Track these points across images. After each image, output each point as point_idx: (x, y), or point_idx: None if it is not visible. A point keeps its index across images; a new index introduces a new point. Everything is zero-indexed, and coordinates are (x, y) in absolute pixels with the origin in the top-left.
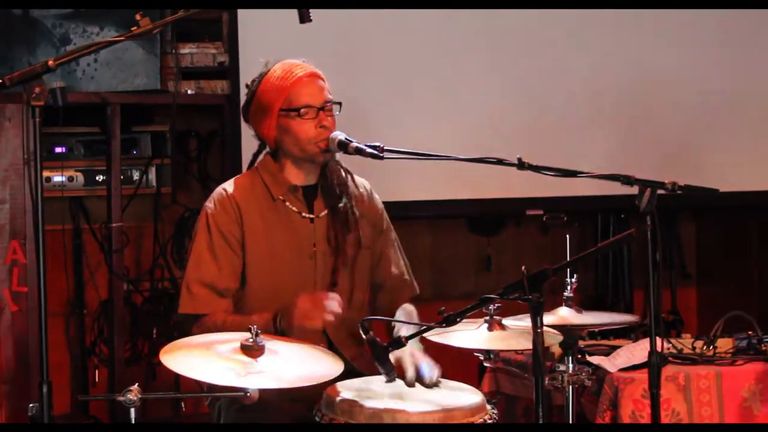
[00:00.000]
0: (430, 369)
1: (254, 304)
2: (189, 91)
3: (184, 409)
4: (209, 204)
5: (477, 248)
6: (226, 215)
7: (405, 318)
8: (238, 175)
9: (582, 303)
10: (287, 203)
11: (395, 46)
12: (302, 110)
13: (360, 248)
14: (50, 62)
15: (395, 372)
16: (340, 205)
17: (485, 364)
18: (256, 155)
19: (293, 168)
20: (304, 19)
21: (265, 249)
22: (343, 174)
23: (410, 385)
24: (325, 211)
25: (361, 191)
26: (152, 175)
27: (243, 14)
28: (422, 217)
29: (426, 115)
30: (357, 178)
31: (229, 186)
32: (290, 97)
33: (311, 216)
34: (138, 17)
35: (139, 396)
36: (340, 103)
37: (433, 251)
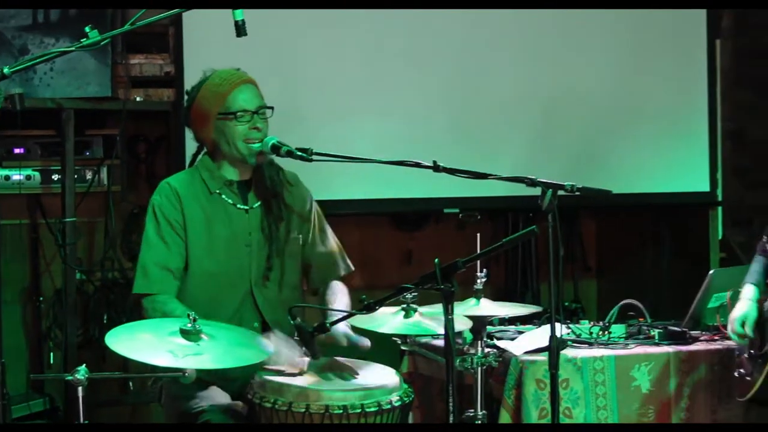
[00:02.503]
0: (359, 337)
1: (195, 287)
2: (138, 99)
3: (132, 388)
4: (155, 196)
5: (400, 243)
6: (170, 204)
7: (334, 298)
8: (179, 172)
9: (494, 294)
10: (223, 196)
11: (326, 55)
12: (238, 113)
13: (290, 235)
14: (5, 70)
15: (320, 353)
16: (272, 197)
17: (402, 348)
18: (195, 156)
19: (229, 166)
20: (240, 33)
21: (204, 238)
22: (274, 168)
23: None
24: (259, 203)
25: (290, 183)
26: (104, 175)
27: (187, 28)
28: (350, 215)
29: (355, 120)
30: (286, 171)
31: (171, 180)
32: (227, 102)
33: (246, 207)
34: (87, 30)
35: (86, 376)
36: (272, 108)
37: (360, 246)
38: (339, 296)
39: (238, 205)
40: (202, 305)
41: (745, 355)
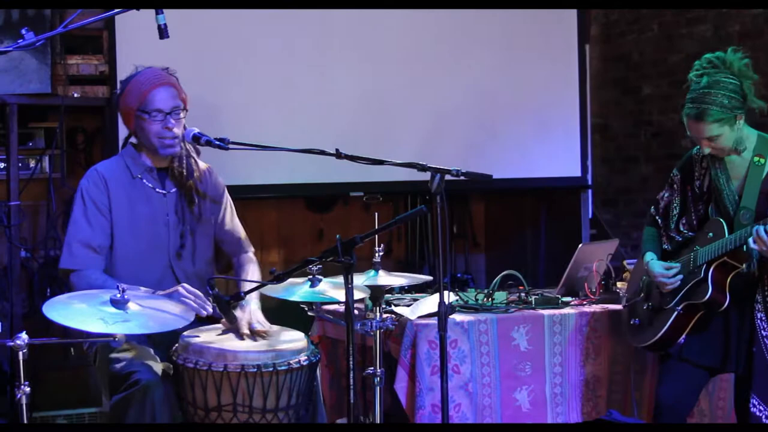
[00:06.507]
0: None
1: (121, 261)
2: (75, 95)
3: (73, 353)
4: (83, 180)
5: (312, 223)
6: (96, 188)
7: (246, 274)
8: (106, 159)
9: (395, 266)
10: (144, 180)
11: (245, 55)
12: (153, 113)
13: (203, 217)
14: None
15: (237, 320)
16: (186, 183)
17: (309, 314)
18: (126, 139)
19: (149, 154)
20: (162, 35)
21: (127, 217)
22: (190, 158)
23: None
24: (175, 189)
25: (204, 172)
26: (45, 163)
27: (120, 31)
28: (268, 198)
29: (273, 112)
30: (200, 162)
31: (98, 166)
32: (146, 101)
33: (164, 191)
34: (24, 32)
35: (26, 341)
36: (185, 110)
37: (277, 225)
38: (251, 270)
39: (157, 189)
40: (127, 277)
41: (644, 307)
